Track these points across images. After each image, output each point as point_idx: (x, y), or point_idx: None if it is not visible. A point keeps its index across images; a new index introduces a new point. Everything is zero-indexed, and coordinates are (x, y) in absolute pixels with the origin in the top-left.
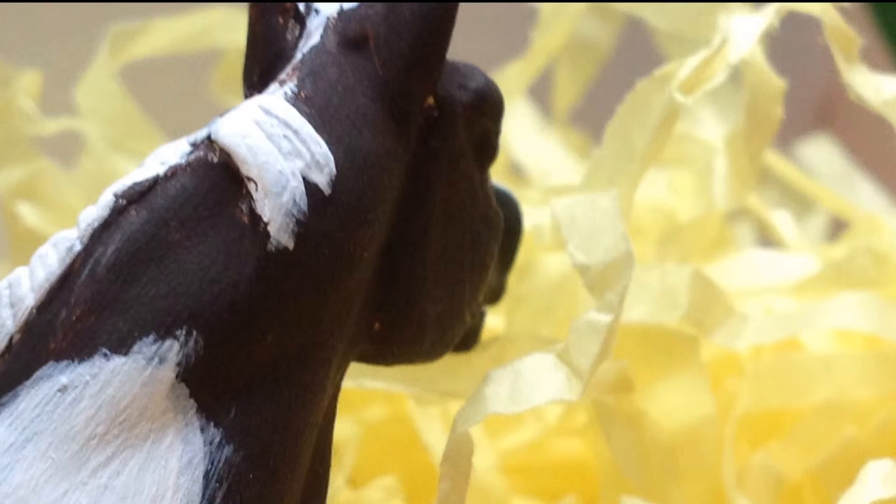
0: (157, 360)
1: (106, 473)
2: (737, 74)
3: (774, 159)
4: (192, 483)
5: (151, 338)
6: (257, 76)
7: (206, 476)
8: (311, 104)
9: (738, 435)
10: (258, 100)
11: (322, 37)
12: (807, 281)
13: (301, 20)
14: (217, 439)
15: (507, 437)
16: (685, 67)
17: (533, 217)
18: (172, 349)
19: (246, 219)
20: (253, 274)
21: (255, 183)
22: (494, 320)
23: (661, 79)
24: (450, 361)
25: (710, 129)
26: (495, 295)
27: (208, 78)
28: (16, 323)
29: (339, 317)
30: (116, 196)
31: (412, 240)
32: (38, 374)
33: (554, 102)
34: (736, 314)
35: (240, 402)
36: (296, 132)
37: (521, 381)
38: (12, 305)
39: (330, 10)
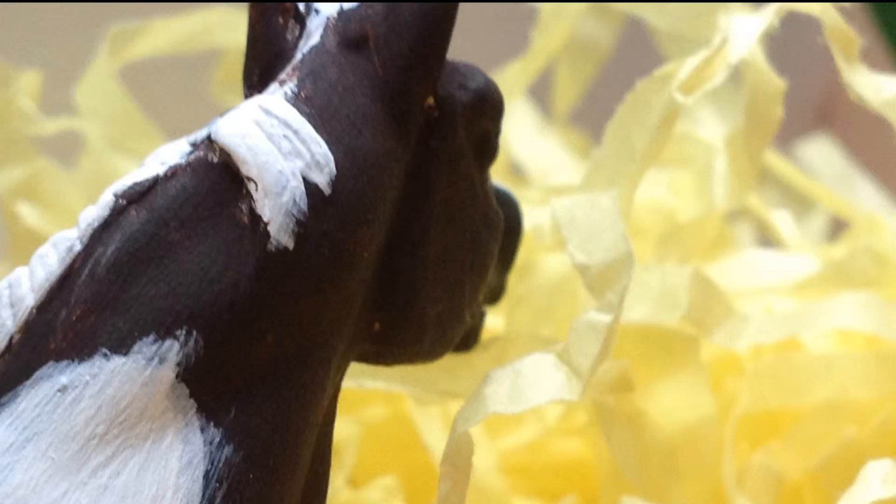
0: (157, 360)
1: (106, 473)
2: (737, 74)
3: (774, 159)
4: (192, 483)
5: (151, 338)
6: (257, 76)
7: (206, 476)
8: (311, 104)
9: (738, 435)
10: (258, 100)
11: (322, 37)
12: (807, 281)
13: (301, 20)
14: (217, 439)
15: (507, 437)
16: (685, 67)
17: (533, 217)
18: (172, 349)
19: (246, 219)
20: (253, 274)
21: (255, 183)
22: (494, 320)
23: (661, 79)
24: (450, 361)
25: (710, 129)
26: (495, 295)
27: (208, 78)
28: (16, 323)
29: (339, 317)
30: (116, 196)
31: (412, 240)
32: (38, 374)
33: (554, 102)
34: (736, 314)
35: (240, 402)
36: (296, 132)
37: (521, 381)
38: (12, 305)
39: (330, 10)
